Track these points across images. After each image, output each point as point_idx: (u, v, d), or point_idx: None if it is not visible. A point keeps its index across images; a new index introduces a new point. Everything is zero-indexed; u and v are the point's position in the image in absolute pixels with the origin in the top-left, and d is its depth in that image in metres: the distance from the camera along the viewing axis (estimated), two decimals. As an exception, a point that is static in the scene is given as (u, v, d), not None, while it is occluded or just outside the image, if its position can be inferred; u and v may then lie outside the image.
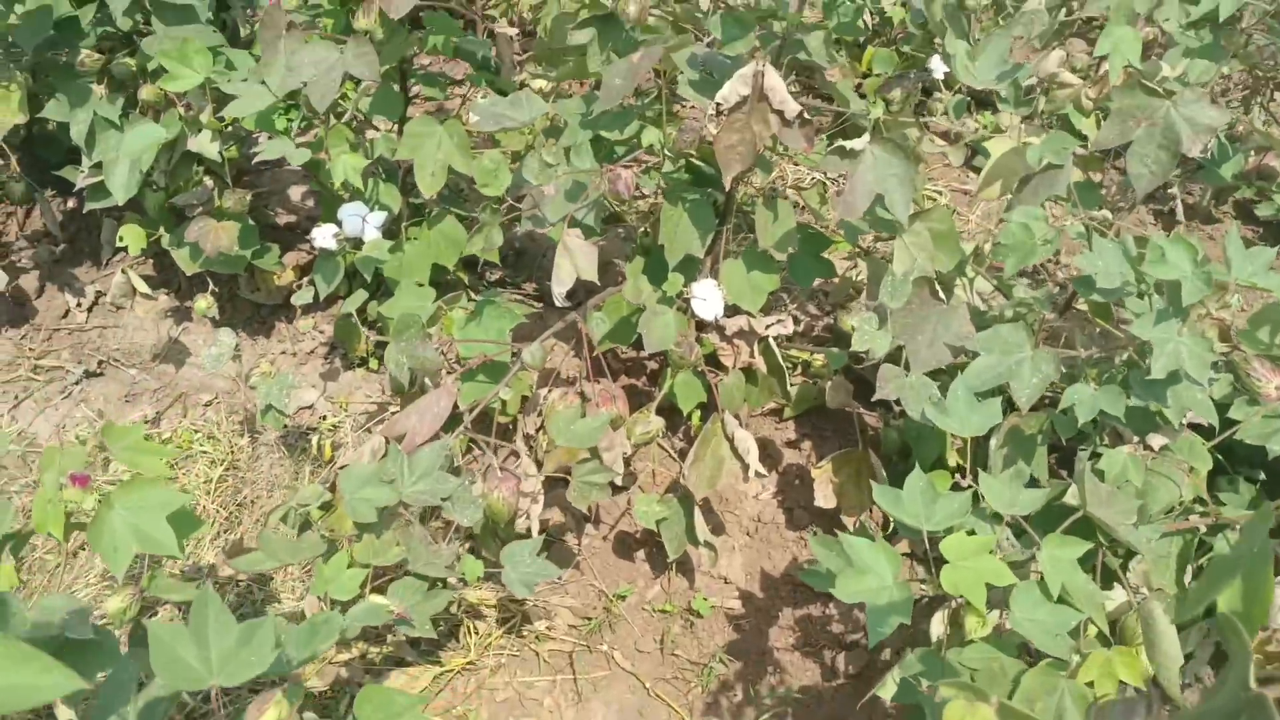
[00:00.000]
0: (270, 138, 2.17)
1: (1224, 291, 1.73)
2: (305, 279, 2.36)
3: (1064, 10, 3.26)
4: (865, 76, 3.45)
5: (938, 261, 2.07)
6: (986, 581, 1.44)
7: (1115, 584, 1.76)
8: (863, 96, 3.50)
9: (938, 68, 3.39)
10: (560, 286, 1.92)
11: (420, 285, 2.22)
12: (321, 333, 2.66)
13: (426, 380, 2.01)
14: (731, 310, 2.18)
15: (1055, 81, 2.14)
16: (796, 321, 2.77)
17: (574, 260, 1.92)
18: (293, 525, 1.71)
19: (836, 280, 2.41)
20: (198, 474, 2.31)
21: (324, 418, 2.47)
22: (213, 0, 2.64)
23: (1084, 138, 2.60)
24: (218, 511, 2.24)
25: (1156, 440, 1.85)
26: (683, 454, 2.43)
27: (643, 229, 2.76)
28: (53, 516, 1.38)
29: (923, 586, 1.55)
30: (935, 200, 3.22)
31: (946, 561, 1.50)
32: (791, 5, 2.17)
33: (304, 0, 2.51)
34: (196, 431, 2.40)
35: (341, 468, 1.96)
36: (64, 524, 1.40)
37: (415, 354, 1.86)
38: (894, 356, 1.97)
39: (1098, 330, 2.29)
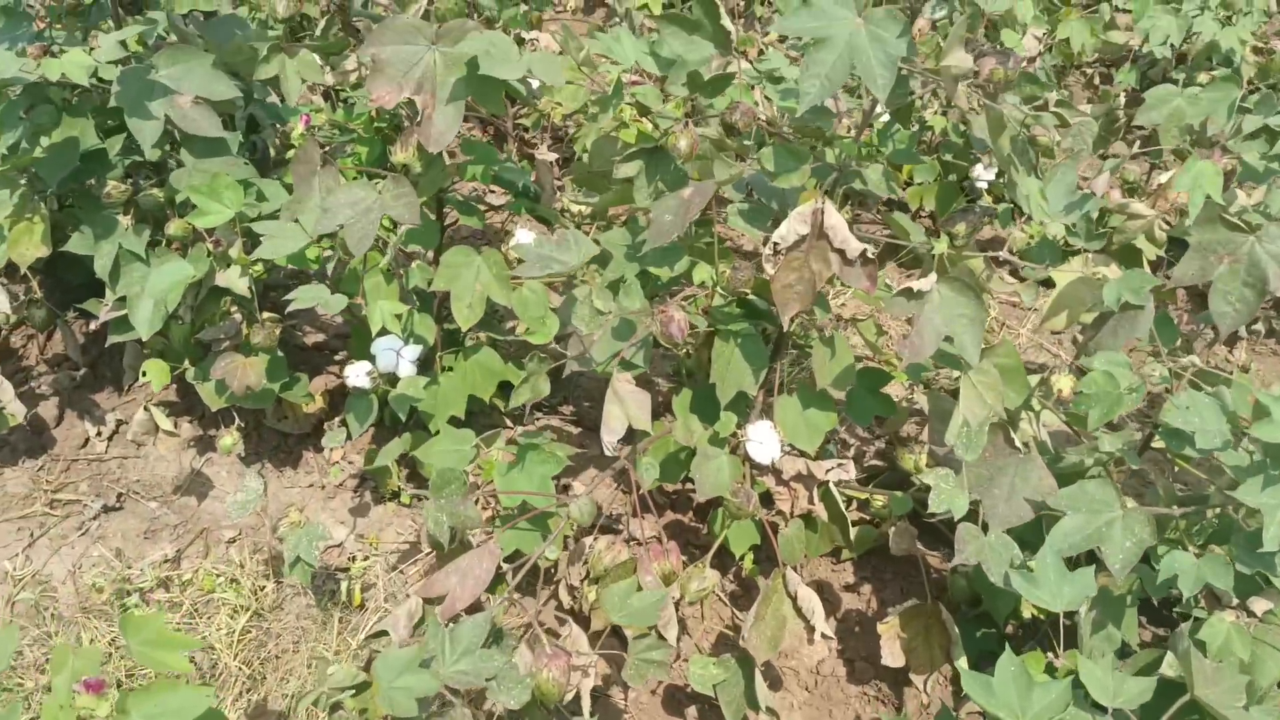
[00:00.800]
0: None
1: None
2: (337, 420, 2.25)
3: (1110, 119, 3.19)
4: (906, 186, 3.36)
5: (1007, 399, 1.95)
6: (1100, 794, 1.29)
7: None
8: (904, 206, 3.41)
9: (980, 176, 3.31)
10: (611, 436, 1.81)
11: (457, 424, 2.10)
12: (351, 463, 2.55)
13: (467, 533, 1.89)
14: (787, 450, 2.06)
15: (1127, 212, 2.04)
16: (846, 446, 2.65)
17: (625, 408, 1.80)
18: (324, 709, 1.58)
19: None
20: (219, 625, 2.17)
21: (353, 558, 2.34)
22: (243, 123, 2.59)
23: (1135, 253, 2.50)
24: (240, 669, 2.10)
25: (1259, 604, 1.71)
26: (734, 598, 2.29)
27: (685, 350, 2.65)
28: (65, 727, 1.25)
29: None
30: (984, 314, 3.10)
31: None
32: (838, 122, 2.09)
33: (338, 128, 2.45)
34: (218, 575, 2.28)
35: (373, 635, 1.83)
36: (77, 734, 1.27)
37: (456, 512, 1.74)
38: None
39: (1175, 468, 2.15)
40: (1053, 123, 1.73)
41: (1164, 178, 2.89)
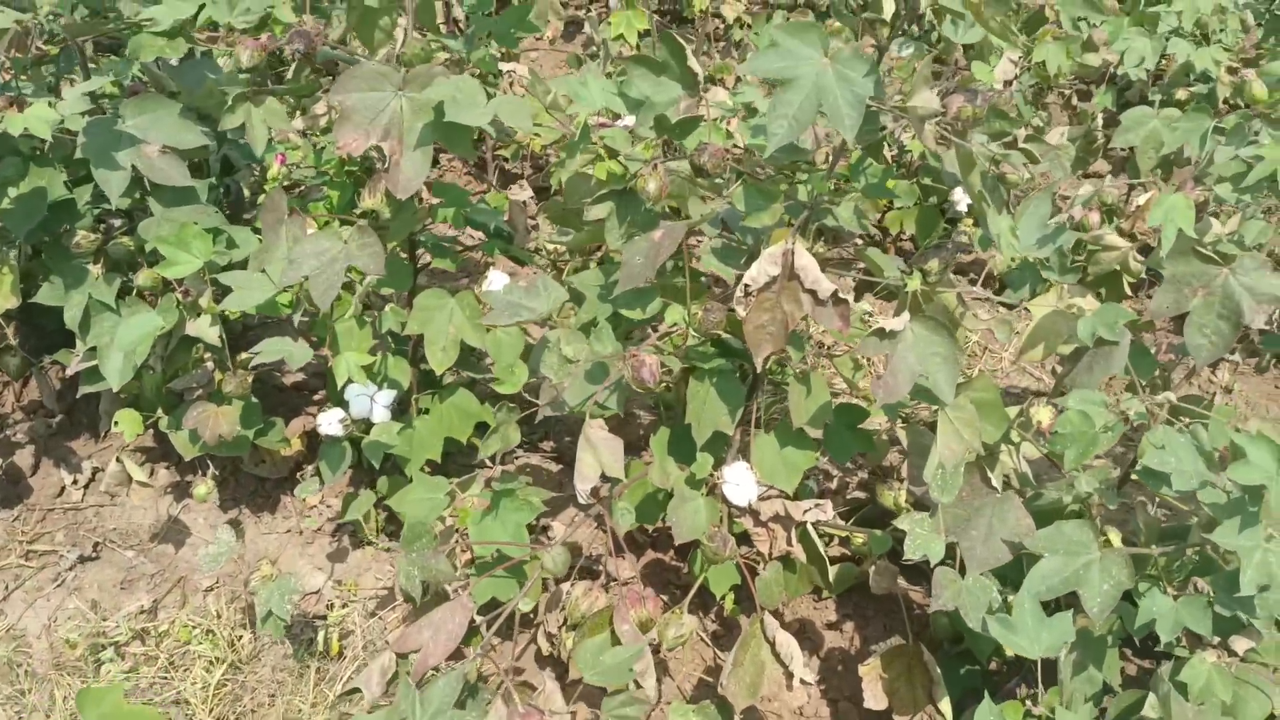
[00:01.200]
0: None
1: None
2: (310, 468, 2.23)
3: (1089, 139, 3.18)
4: (886, 210, 3.36)
5: (985, 434, 1.93)
6: None
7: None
8: (884, 231, 3.41)
9: (960, 200, 3.30)
10: (584, 484, 1.78)
11: (432, 471, 2.08)
12: (329, 507, 2.53)
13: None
14: (765, 490, 2.04)
15: (1101, 243, 2.03)
16: (829, 477, 2.63)
17: (598, 455, 1.78)
18: (295, 772, 1.55)
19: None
20: (194, 678, 2.15)
21: (331, 606, 2.31)
22: (216, 165, 2.58)
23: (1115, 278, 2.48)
24: (216, 725, 2.08)
25: (1240, 643, 1.69)
26: (716, 638, 2.27)
27: (664, 384, 2.64)
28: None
29: None
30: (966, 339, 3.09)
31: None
32: (816, 151, 2.07)
33: (315, 168, 2.44)
34: (195, 627, 2.25)
35: (347, 692, 1.81)
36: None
37: (428, 566, 1.72)
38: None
39: (1158, 499, 2.13)
40: (1021, 160, 1.72)
41: (1142, 199, 2.88)
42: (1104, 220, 2.95)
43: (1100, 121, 3.27)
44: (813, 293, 1.79)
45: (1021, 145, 1.78)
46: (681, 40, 1.85)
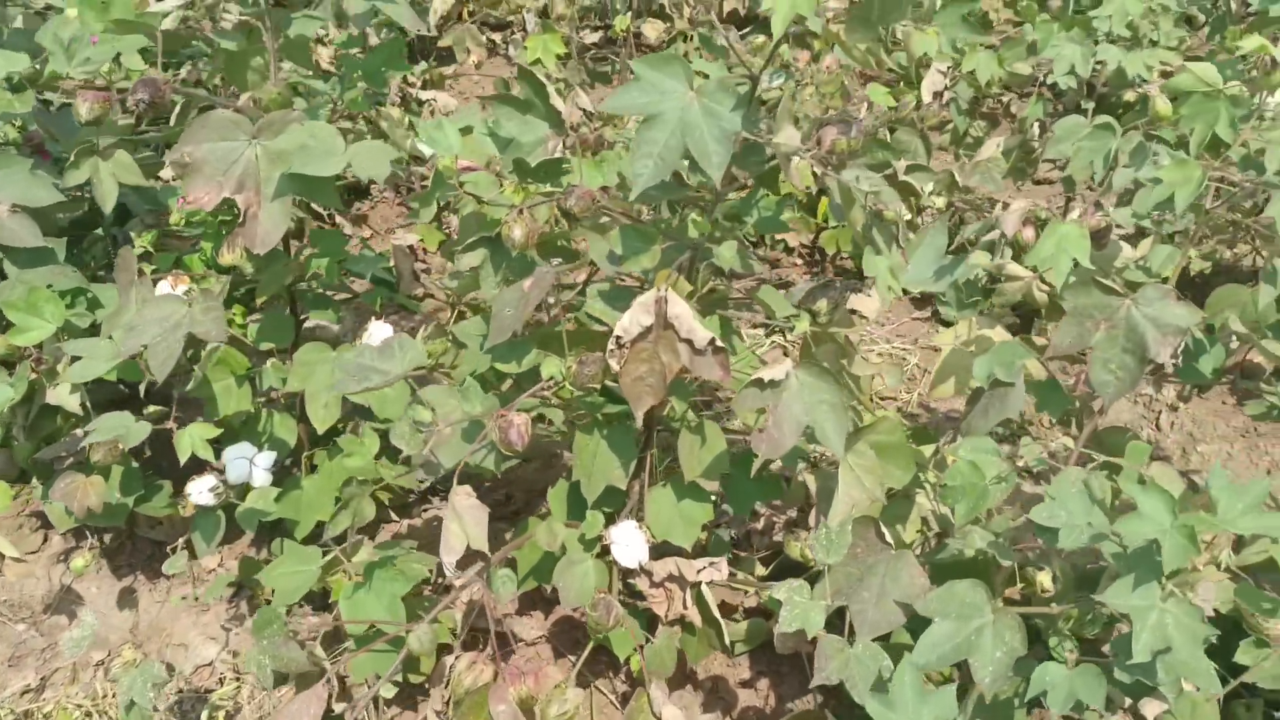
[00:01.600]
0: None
1: (1211, 538, 1.48)
2: (180, 540, 2.11)
3: (1025, 150, 3.07)
4: (820, 230, 3.25)
5: (890, 478, 1.82)
6: None
7: None
8: (820, 251, 3.30)
9: (895, 217, 3.18)
10: (450, 556, 1.67)
11: (307, 544, 1.96)
12: (228, 570, 2.41)
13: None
14: (661, 549, 1.93)
15: (1005, 274, 1.91)
16: (755, 517, 2.51)
17: (464, 526, 1.67)
18: None
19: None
20: (71, 766, 2.04)
21: (222, 680, 2.20)
22: (111, 215, 2.47)
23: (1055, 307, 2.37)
24: (87, 819, 1.96)
25: (1151, 707, 1.57)
26: (624, 699, 2.15)
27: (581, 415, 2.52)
28: None
29: None
30: (894, 357, 2.97)
31: None
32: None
33: (187, 221, 2.33)
34: (77, 708, 2.13)
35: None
36: None
37: (279, 654, 1.60)
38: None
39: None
40: (894, 196, 1.61)
41: (1075, 214, 2.77)
42: (1038, 235, 2.83)
43: (1037, 130, 3.16)
44: (689, 342, 1.68)
45: (903, 177, 1.66)
46: (542, 78, 1.74)
